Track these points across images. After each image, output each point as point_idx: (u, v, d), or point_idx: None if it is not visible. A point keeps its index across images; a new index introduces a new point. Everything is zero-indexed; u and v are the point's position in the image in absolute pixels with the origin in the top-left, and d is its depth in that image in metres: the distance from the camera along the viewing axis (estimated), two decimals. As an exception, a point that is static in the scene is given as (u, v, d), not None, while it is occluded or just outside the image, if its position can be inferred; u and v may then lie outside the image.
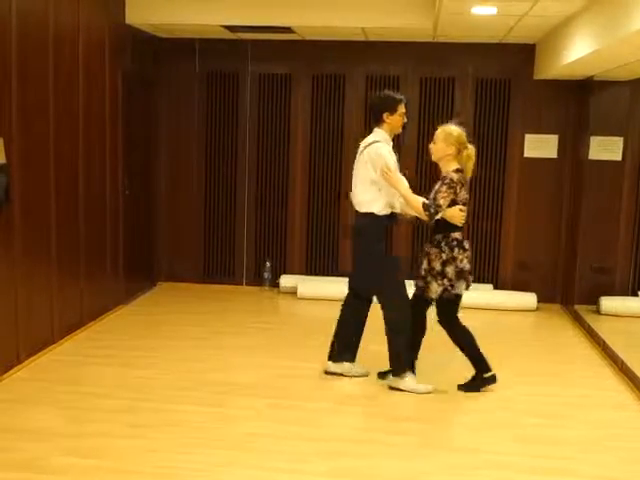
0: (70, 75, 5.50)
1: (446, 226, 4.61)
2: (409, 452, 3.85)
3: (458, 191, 4.57)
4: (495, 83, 7.26)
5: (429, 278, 4.66)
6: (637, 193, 7.02)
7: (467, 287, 4.68)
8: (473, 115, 7.30)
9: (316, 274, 7.61)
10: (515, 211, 7.38)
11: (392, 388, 4.76)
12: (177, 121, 7.61)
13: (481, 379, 4.80)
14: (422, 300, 4.77)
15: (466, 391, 4.78)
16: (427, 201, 4.55)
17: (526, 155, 7.28)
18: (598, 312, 6.85)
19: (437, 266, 4.61)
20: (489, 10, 5.45)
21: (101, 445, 3.79)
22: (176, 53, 7.49)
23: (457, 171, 4.62)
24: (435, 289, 4.64)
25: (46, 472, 3.49)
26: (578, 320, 6.68)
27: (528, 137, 7.26)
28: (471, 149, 4.67)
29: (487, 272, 7.49)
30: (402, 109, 4.81)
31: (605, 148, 6.87)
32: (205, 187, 7.70)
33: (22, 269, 4.87)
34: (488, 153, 7.34)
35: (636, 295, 7.06)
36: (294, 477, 3.54)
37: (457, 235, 4.63)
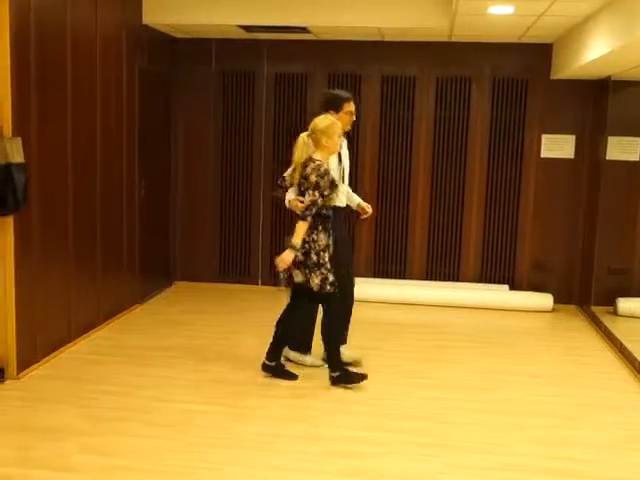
0: (88, 75, 5.54)
1: None
2: (421, 452, 3.85)
3: None
4: (512, 83, 7.23)
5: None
6: (654, 194, 6.98)
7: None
8: (490, 115, 7.27)
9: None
10: (532, 211, 7.35)
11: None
12: (193, 121, 7.64)
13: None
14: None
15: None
16: None
17: (543, 155, 7.25)
18: (615, 313, 6.81)
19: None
20: (506, 10, 5.43)
21: (119, 443, 3.82)
22: (193, 53, 7.52)
23: None
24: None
25: (66, 470, 3.52)
26: (595, 321, 6.65)
27: (545, 137, 7.22)
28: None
29: (503, 272, 7.46)
30: (348, 107, 4.88)
31: (622, 148, 6.84)
32: (221, 186, 7.73)
33: (39, 268, 4.92)
34: (505, 153, 7.32)
35: (653, 296, 7.03)
36: (306, 477, 3.54)
37: None
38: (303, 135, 4.66)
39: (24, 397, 4.44)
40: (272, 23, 6.50)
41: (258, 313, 6.73)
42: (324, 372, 4.96)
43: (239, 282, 7.78)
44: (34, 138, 4.77)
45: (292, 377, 4.88)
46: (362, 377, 4.79)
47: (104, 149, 5.86)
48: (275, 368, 4.89)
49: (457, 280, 7.50)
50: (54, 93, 5.05)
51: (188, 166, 7.71)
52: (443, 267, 7.53)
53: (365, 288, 7.12)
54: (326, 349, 4.90)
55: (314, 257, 4.60)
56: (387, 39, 7.13)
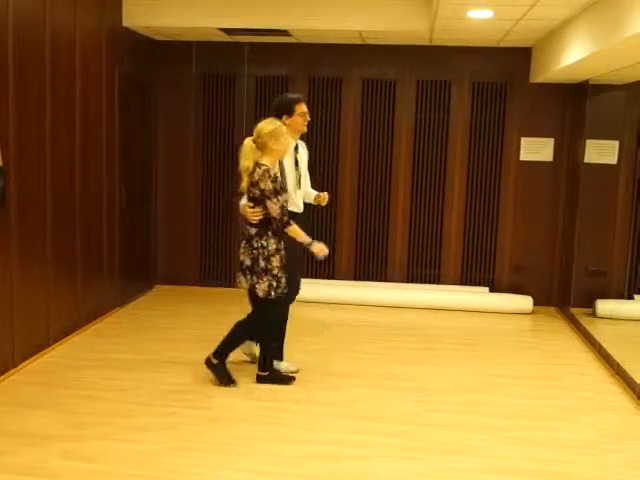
0: (67, 78, 5.50)
1: None
2: (403, 454, 3.85)
3: None
4: (491, 86, 7.27)
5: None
6: (632, 196, 7.05)
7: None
8: (470, 118, 7.31)
9: (314, 277, 7.60)
10: (511, 214, 7.40)
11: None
12: (174, 124, 7.61)
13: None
14: None
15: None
16: None
17: (522, 158, 7.30)
18: (594, 315, 6.87)
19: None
20: (485, 14, 5.47)
21: (99, 448, 3.79)
22: (173, 56, 7.49)
23: None
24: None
25: (46, 475, 3.49)
26: (574, 323, 6.70)
27: (524, 140, 7.28)
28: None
29: (483, 275, 7.50)
30: (300, 109, 4.80)
31: (600, 151, 6.90)
32: (202, 189, 7.71)
33: (18, 272, 4.87)
34: (484, 156, 7.36)
35: (632, 298, 7.09)
36: (291, 480, 3.55)
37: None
38: (249, 140, 4.57)
39: (2, 402, 4.38)
40: (253, 26, 6.49)
41: (239, 316, 6.68)
42: (303, 376, 4.98)
43: (220, 285, 7.75)
44: (13, 141, 4.71)
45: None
46: (290, 379, 4.85)
47: (84, 152, 5.82)
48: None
49: (438, 282, 7.53)
50: (33, 96, 5.00)
51: (169, 169, 7.68)
52: (424, 269, 7.56)
53: (346, 291, 7.14)
54: (259, 345, 4.95)
55: (262, 263, 4.59)
56: (368, 42, 7.15)
